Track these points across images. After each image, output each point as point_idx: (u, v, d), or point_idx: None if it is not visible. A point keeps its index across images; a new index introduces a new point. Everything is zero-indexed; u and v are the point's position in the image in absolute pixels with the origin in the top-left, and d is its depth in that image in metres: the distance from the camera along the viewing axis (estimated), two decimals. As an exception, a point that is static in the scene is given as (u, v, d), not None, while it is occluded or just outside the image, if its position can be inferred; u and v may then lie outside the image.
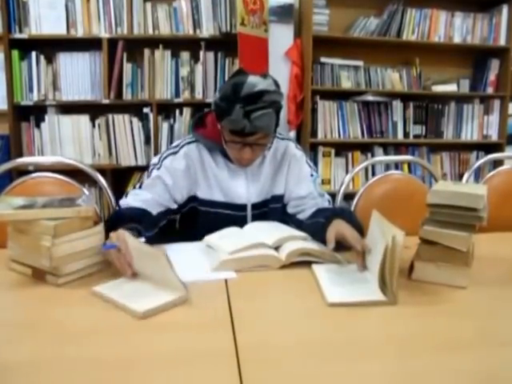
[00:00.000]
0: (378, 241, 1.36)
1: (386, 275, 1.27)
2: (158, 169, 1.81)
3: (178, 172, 1.80)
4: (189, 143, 1.86)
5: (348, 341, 1.07)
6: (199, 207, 1.86)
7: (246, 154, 1.74)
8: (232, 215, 1.82)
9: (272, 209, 1.89)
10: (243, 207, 1.86)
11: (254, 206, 1.87)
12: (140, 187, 1.79)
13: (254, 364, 0.96)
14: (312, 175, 1.92)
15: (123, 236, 1.38)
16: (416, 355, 1.01)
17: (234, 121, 1.65)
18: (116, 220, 1.58)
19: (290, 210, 1.88)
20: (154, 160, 1.86)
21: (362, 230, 1.53)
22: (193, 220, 1.87)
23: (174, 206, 1.82)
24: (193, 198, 1.86)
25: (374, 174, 3.51)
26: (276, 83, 1.73)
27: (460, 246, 1.37)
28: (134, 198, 1.74)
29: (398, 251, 1.25)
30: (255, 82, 1.64)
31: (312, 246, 1.58)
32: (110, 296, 1.24)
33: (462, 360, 0.99)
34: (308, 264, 1.51)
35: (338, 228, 1.55)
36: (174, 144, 1.89)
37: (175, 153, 1.83)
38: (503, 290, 1.37)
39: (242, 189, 1.85)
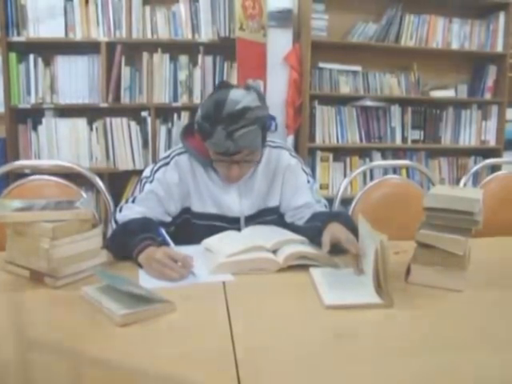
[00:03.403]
0: (369, 245, 1.37)
1: (380, 278, 1.27)
2: (151, 182, 1.79)
3: (170, 184, 1.78)
4: (179, 154, 1.82)
5: (345, 343, 1.07)
6: (193, 220, 1.84)
7: (234, 171, 1.71)
8: (226, 228, 1.79)
9: (266, 221, 1.86)
10: (236, 220, 1.84)
11: (248, 219, 1.85)
12: (133, 201, 1.78)
13: (251, 366, 0.96)
14: (308, 181, 1.90)
15: (166, 252, 1.47)
16: (412, 357, 1.01)
17: (217, 143, 1.63)
18: (124, 234, 1.59)
19: (288, 219, 1.87)
20: (146, 172, 1.84)
21: (358, 234, 1.53)
22: (187, 233, 1.85)
23: (169, 219, 1.80)
24: (186, 210, 1.84)
25: (372, 179, 3.51)
26: (260, 96, 1.70)
27: (456, 249, 1.37)
28: (130, 212, 1.73)
29: (387, 254, 1.26)
30: (237, 98, 1.61)
31: (309, 249, 1.58)
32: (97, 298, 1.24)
33: (458, 362, 0.99)
34: (305, 267, 1.51)
35: (334, 231, 1.54)
36: (165, 155, 1.86)
37: (167, 164, 1.81)
38: (499, 293, 1.37)
39: (235, 202, 1.83)
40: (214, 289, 1.38)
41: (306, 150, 3.73)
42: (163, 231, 1.64)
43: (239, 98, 1.62)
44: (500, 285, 1.44)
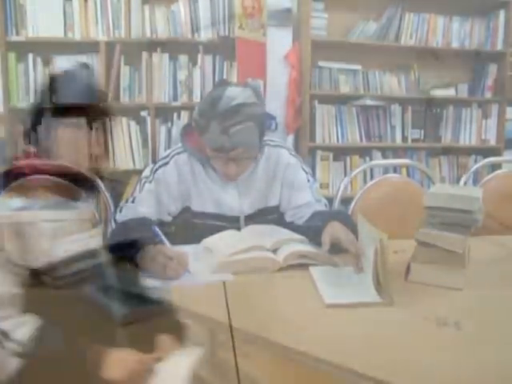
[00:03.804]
0: (368, 244, 1.37)
1: (380, 277, 1.27)
2: (150, 182, 1.79)
3: (170, 183, 1.79)
4: (179, 153, 1.83)
5: (344, 342, 1.07)
6: (192, 219, 1.84)
7: (231, 168, 1.72)
8: (225, 227, 1.79)
9: (266, 220, 1.86)
10: (236, 219, 1.84)
11: (248, 218, 1.85)
12: (133, 201, 1.78)
13: (252, 365, 0.97)
14: (308, 181, 1.90)
15: (161, 250, 1.48)
16: (411, 355, 1.01)
17: (212, 138, 1.64)
18: (122, 234, 1.59)
19: (288, 218, 1.87)
20: (146, 172, 1.84)
21: (357, 233, 1.53)
22: (187, 232, 1.85)
23: (169, 219, 1.81)
24: (186, 209, 1.85)
25: (372, 178, 3.51)
26: (257, 93, 1.71)
27: (455, 247, 1.37)
28: (130, 212, 1.73)
29: (387, 253, 1.27)
30: (233, 95, 1.63)
31: (309, 248, 1.58)
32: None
33: (457, 360, 0.99)
34: (305, 266, 1.52)
35: (334, 231, 1.54)
36: (164, 154, 1.87)
37: (166, 163, 1.81)
38: (498, 291, 1.38)
39: (234, 200, 1.83)
40: (214, 288, 1.38)
41: (307, 150, 3.72)
42: (159, 231, 1.64)
43: (235, 94, 1.63)
44: (499, 283, 1.45)
